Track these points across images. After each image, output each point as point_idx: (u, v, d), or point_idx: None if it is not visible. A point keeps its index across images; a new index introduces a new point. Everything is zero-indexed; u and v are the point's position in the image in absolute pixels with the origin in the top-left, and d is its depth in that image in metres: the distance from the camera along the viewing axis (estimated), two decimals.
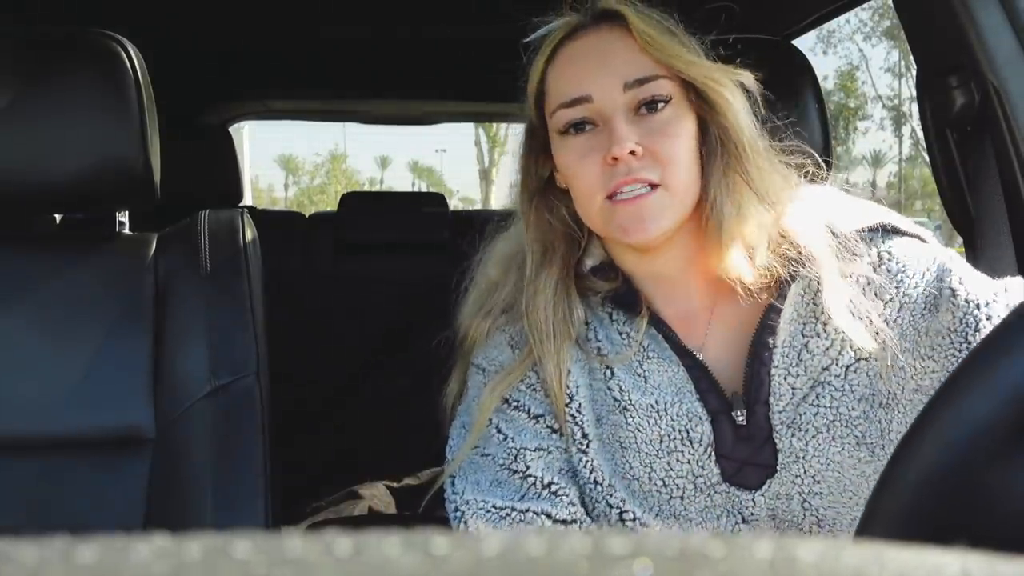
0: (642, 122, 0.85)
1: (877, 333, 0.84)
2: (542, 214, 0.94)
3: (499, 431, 0.91)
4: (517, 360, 0.92)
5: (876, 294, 0.86)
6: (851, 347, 0.85)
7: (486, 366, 0.95)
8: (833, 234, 0.87)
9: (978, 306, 0.82)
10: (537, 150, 0.94)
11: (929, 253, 0.87)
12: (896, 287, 0.86)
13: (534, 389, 0.92)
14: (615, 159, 0.83)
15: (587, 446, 0.89)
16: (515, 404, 0.92)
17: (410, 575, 0.16)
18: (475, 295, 0.99)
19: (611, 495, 0.88)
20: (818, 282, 0.85)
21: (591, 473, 0.89)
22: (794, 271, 0.86)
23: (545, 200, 0.94)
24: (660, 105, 0.85)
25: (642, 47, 0.86)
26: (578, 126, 0.87)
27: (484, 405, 0.92)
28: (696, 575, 0.16)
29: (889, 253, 0.87)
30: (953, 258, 0.87)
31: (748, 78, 0.91)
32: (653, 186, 0.84)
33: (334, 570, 0.16)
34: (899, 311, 0.85)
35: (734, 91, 0.88)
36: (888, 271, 0.86)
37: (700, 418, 0.87)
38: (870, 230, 0.88)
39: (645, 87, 0.85)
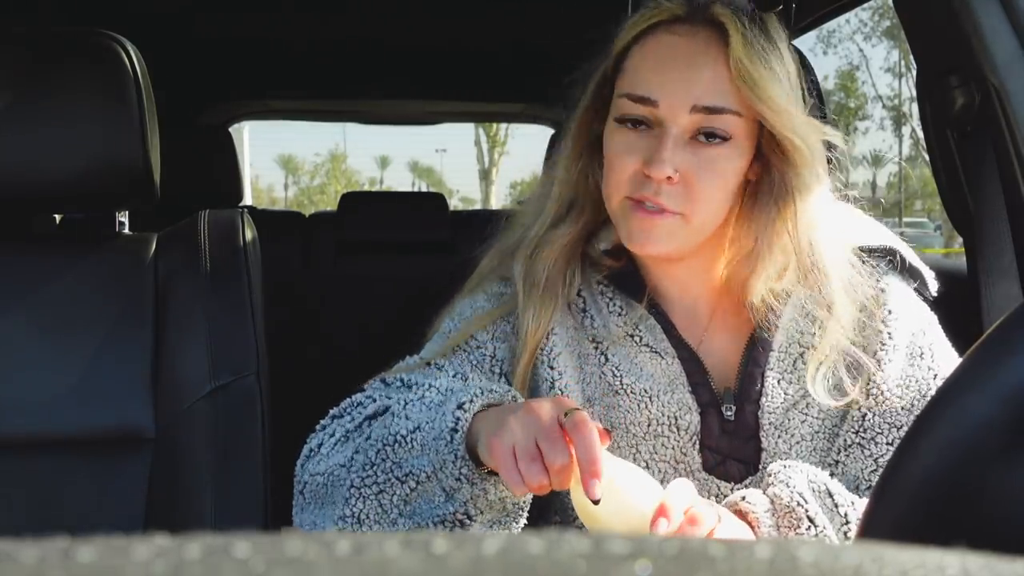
0: (692, 148, 0.82)
1: (854, 376, 0.86)
2: (584, 170, 0.92)
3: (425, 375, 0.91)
4: (494, 307, 0.93)
5: (864, 347, 0.87)
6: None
7: (469, 312, 0.95)
8: (847, 254, 0.88)
9: (935, 376, 0.86)
10: (599, 104, 0.91)
11: (919, 311, 0.90)
12: (880, 334, 0.87)
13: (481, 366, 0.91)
14: (649, 176, 0.82)
15: None
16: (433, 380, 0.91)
17: (410, 575, 0.16)
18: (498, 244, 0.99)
19: None
20: (823, 299, 0.86)
21: None
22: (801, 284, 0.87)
23: (591, 158, 0.92)
24: (717, 140, 0.82)
25: (731, 75, 0.81)
26: (634, 121, 0.85)
27: (453, 338, 0.92)
28: (696, 575, 0.16)
29: (886, 294, 0.88)
30: (933, 323, 0.90)
31: (837, 139, 0.88)
32: (674, 213, 0.83)
33: (334, 570, 0.16)
34: (877, 361, 0.87)
35: (814, 150, 0.84)
36: (880, 314, 0.88)
37: (690, 408, 0.88)
38: (878, 251, 0.90)
39: (712, 118, 0.82)
